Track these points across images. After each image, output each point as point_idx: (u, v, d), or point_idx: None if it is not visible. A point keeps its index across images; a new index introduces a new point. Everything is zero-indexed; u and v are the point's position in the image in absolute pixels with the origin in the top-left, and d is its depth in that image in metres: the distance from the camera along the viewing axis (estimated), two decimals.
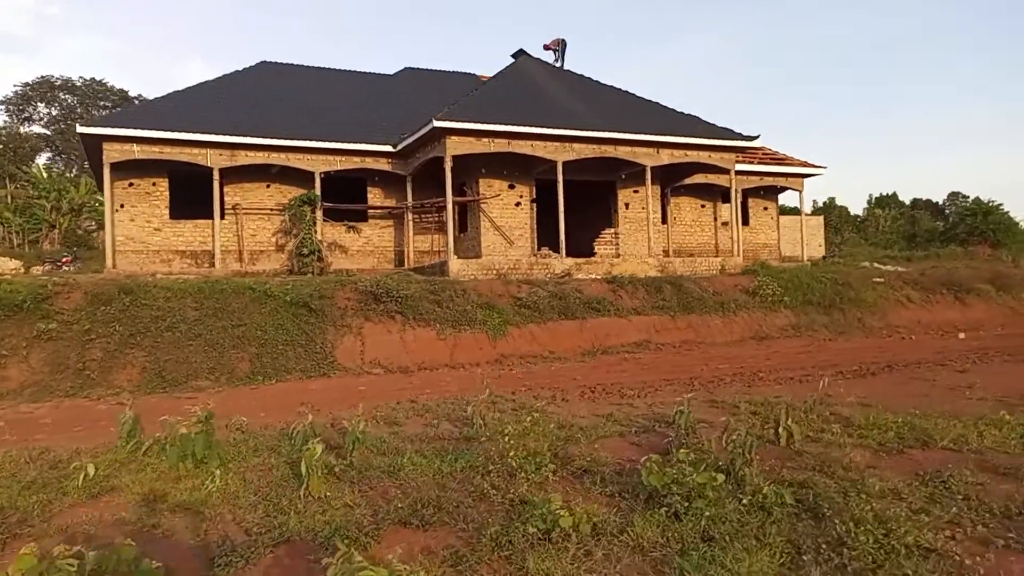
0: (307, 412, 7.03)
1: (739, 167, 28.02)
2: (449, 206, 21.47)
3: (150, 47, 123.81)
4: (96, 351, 11.71)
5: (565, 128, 22.11)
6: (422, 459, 6.32)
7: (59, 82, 53.64)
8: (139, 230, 21.70)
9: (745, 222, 30.52)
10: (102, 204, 25.07)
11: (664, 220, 27.69)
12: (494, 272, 20.57)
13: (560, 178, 22.18)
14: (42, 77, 53.60)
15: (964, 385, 10.30)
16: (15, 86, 58.80)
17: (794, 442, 6.93)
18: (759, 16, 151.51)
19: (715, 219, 29.50)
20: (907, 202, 63.56)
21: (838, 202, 59.87)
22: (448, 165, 21.02)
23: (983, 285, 21.16)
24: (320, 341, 13.36)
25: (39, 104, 54.62)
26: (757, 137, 24.88)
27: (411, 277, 17.28)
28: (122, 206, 21.56)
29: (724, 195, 29.09)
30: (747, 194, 29.88)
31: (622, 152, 23.29)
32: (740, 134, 25.07)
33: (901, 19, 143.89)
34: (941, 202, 62.61)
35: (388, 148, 23.31)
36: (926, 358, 13.67)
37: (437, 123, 20.61)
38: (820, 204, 56.90)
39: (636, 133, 23.12)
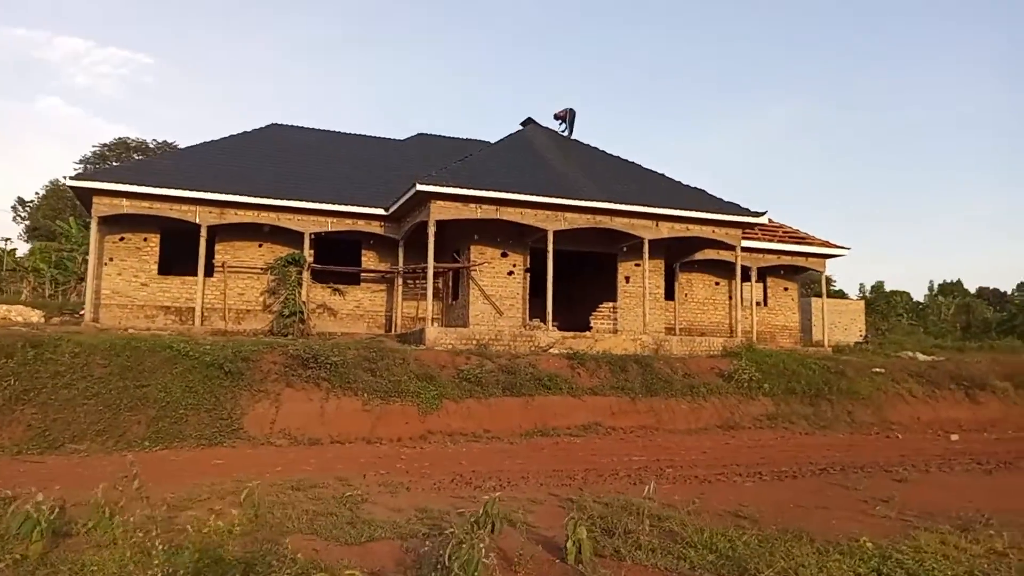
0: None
1: (756, 244, 26.90)
2: (430, 272, 20.95)
3: (229, 115, 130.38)
4: None
5: (557, 196, 21.47)
6: None
7: (134, 144, 56.26)
8: (126, 284, 21.86)
9: (764, 303, 29.03)
10: None
11: (671, 296, 26.48)
12: (474, 342, 19.77)
13: (550, 248, 21.43)
14: (119, 139, 56.20)
15: (882, 498, 8.92)
16: (93, 146, 62.02)
17: (583, 559, 5.82)
18: (828, 96, 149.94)
19: (730, 298, 28.10)
20: (972, 290, 60.13)
21: (896, 288, 57.14)
22: (431, 230, 20.59)
23: (1000, 381, 19.17)
24: (230, 407, 12.73)
25: (113, 163, 57.41)
26: (764, 213, 23.72)
27: (365, 343, 16.68)
28: (111, 259, 21.82)
29: (743, 273, 27.77)
30: (765, 273, 28.45)
31: (618, 223, 22.45)
32: (747, 210, 23.93)
33: (976, 100, 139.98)
34: (1010, 291, 58.98)
35: (381, 211, 23.08)
36: (887, 461, 12.18)
37: (420, 187, 20.29)
38: (868, 288, 54.26)
39: (632, 204, 22.26)
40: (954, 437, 15.73)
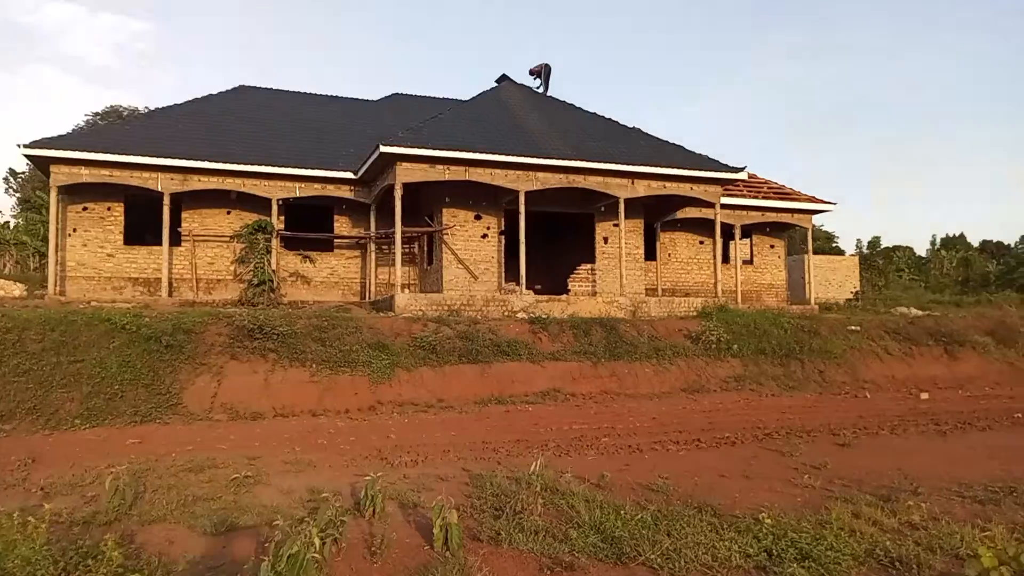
0: None
1: (740, 201, 26.23)
2: (398, 237, 20.47)
3: (226, 81, 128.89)
4: None
5: (528, 156, 20.85)
6: None
7: (126, 111, 55.15)
8: (91, 255, 21.50)
9: (750, 261, 28.44)
10: None
11: (652, 256, 25.94)
12: (445, 308, 19.38)
13: (522, 209, 20.89)
14: (111, 106, 55.11)
15: (816, 465, 8.53)
16: (85, 115, 60.88)
17: (451, 546, 5.44)
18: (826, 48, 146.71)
19: (714, 257, 27.48)
20: (976, 244, 59.15)
21: (902, 243, 56.22)
22: (398, 193, 20.07)
23: (980, 337, 18.62)
24: (169, 381, 12.39)
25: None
26: (743, 169, 23.04)
27: (319, 312, 16.29)
28: (75, 230, 21.43)
29: (727, 231, 27.18)
30: (751, 231, 27.83)
31: (592, 183, 21.84)
32: (725, 165, 23.24)
33: (979, 46, 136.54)
34: (1013, 244, 57.95)
35: (350, 175, 22.54)
36: (841, 423, 11.78)
37: (384, 149, 19.71)
38: (865, 244, 53.42)
39: (606, 162, 21.63)
40: (924, 395, 15.28)
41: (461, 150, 20.32)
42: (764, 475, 8.09)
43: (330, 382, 13.36)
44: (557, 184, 21.47)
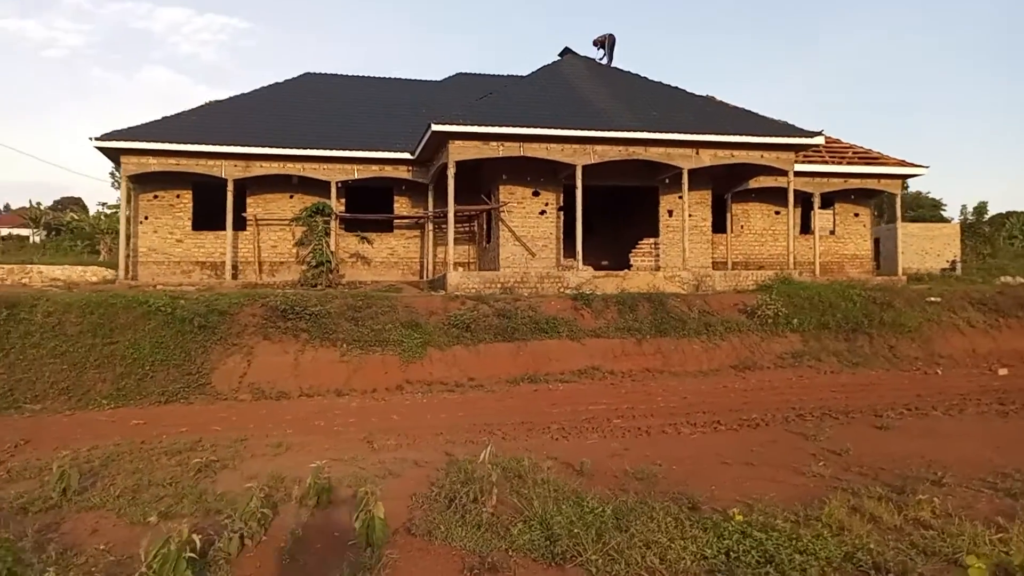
0: None
1: (821, 168, 24.65)
2: (451, 216, 20.23)
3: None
4: None
5: (584, 129, 20.15)
6: None
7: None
8: (161, 241, 22.31)
9: (832, 231, 26.73)
10: None
11: (722, 229, 24.73)
12: (499, 285, 19.13)
13: (579, 183, 20.25)
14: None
15: (837, 450, 7.71)
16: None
17: (373, 542, 5.08)
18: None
19: (788, 227, 25.96)
20: None
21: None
22: (451, 171, 19.83)
23: None
24: (200, 362, 12.59)
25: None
26: (819, 133, 21.52)
27: (362, 292, 16.27)
28: (146, 217, 22.28)
29: (804, 200, 25.63)
30: (833, 199, 26.09)
31: (653, 154, 20.92)
32: (799, 130, 21.80)
33: None
34: None
35: (407, 156, 22.45)
36: (894, 402, 10.76)
37: (436, 127, 19.48)
38: (970, 210, 49.50)
39: (667, 132, 20.64)
40: (1003, 372, 13.86)
41: (514, 125, 19.83)
42: (772, 462, 7.36)
43: (360, 361, 13.27)
44: (616, 157, 20.68)
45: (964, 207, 53.87)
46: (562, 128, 19.99)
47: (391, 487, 6.48)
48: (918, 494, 6.04)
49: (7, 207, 79.93)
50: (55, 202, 72.06)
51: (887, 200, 38.79)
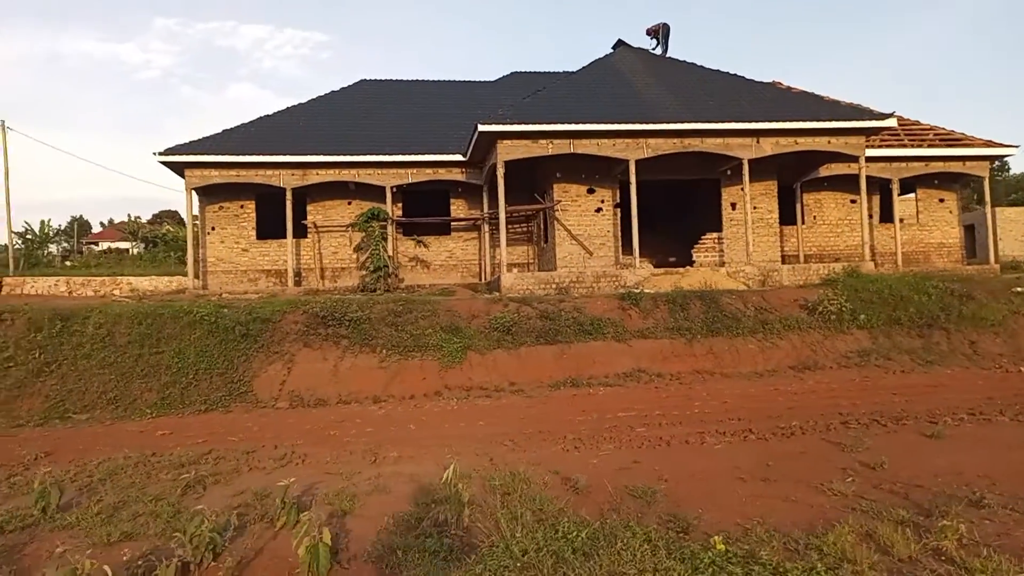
0: None
1: (899, 152, 23.18)
2: (502, 216, 19.93)
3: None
4: (10, 379, 12.12)
5: (635, 122, 19.55)
6: None
7: None
8: (228, 251, 22.91)
9: (916, 218, 25.06)
10: None
11: (790, 220, 23.55)
12: (553, 286, 18.80)
13: (632, 179, 19.70)
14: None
15: (872, 464, 6.99)
16: None
17: (318, 571, 4.80)
18: None
19: (870, 216, 24.51)
20: None
21: None
22: (500, 171, 19.58)
23: None
24: (242, 370, 12.73)
25: None
26: (891, 115, 20.15)
27: (405, 297, 16.17)
28: (213, 228, 22.92)
29: (882, 187, 24.14)
30: (913, 184, 24.46)
31: (710, 145, 20.09)
32: (869, 112, 20.50)
33: None
34: None
35: (459, 157, 22.33)
36: (959, 405, 9.79)
37: (483, 128, 19.28)
38: None
39: (723, 121, 19.78)
40: None
41: (562, 122, 19.41)
42: (794, 477, 6.70)
43: (399, 367, 13.13)
44: (670, 150, 19.96)
45: None
46: (611, 123, 19.45)
47: (373, 505, 6.22)
48: (948, 518, 5.32)
49: (110, 222, 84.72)
50: (153, 215, 75.98)
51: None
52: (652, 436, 8.60)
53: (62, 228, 61.75)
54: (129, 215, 69.02)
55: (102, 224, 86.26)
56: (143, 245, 57.86)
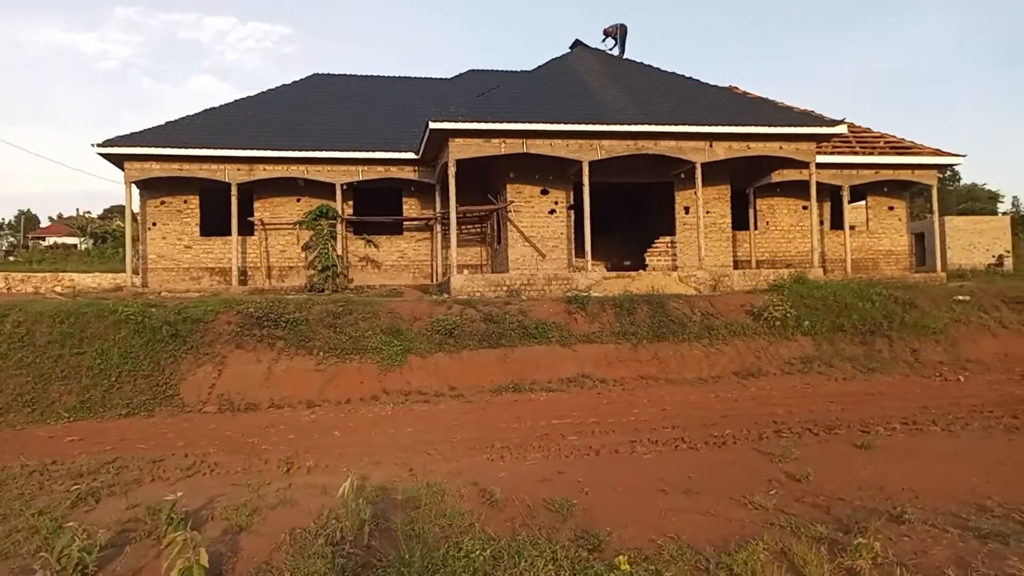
0: None
1: (850, 160, 23.34)
2: (452, 217, 19.62)
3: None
4: None
5: (589, 123, 19.36)
6: None
7: None
8: (170, 247, 22.20)
9: (865, 225, 25.32)
10: None
11: (744, 225, 23.62)
12: (504, 288, 18.50)
13: (586, 180, 19.50)
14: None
15: (798, 475, 6.85)
16: None
17: None
18: None
19: (821, 223, 24.69)
20: None
21: None
22: (451, 170, 19.25)
23: None
24: (169, 372, 12.21)
25: None
26: (840, 122, 20.30)
27: (344, 298, 15.76)
28: (154, 224, 22.20)
29: (834, 194, 24.32)
30: (864, 192, 24.71)
31: (664, 148, 20.01)
32: (819, 119, 20.70)
33: None
34: None
35: (412, 156, 21.94)
36: (893, 414, 9.72)
37: (434, 125, 18.95)
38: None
39: (676, 124, 19.69)
40: None
41: (514, 121, 19.17)
42: (717, 489, 6.49)
43: (336, 371, 12.72)
44: (624, 152, 19.83)
45: (1016, 199, 51.01)
46: (565, 123, 19.25)
47: (275, 520, 5.85)
48: (866, 535, 5.14)
49: (60, 216, 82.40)
50: (105, 210, 73.97)
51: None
52: (583, 445, 8.35)
53: (6, 222, 59.88)
54: (78, 210, 67.00)
55: (51, 219, 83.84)
56: (92, 241, 56.38)
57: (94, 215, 68.58)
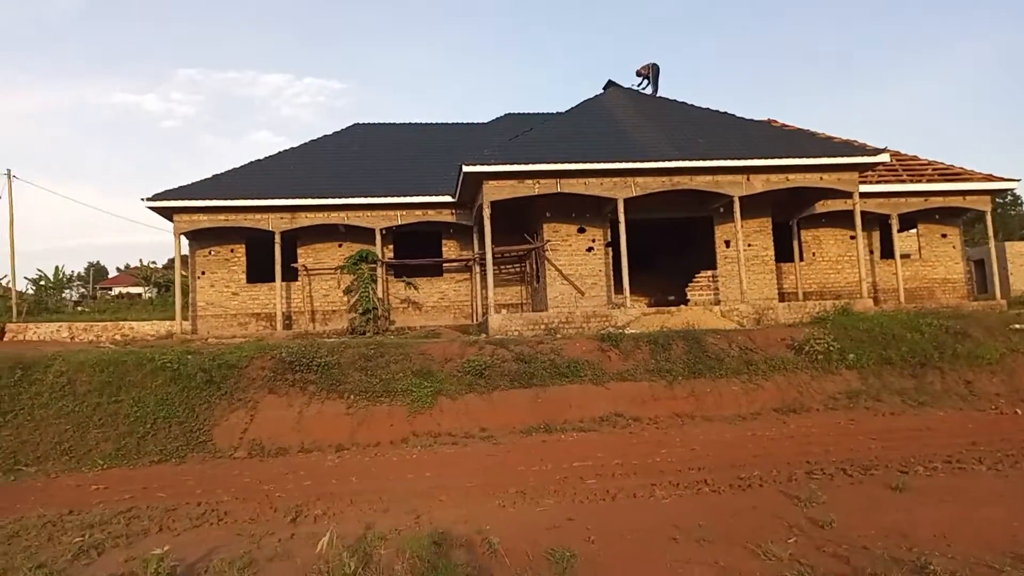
0: None
1: (897, 188, 22.72)
2: (488, 257, 19.63)
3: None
4: None
5: (622, 161, 19.30)
6: None
7: None
8: (218, 295, 22.80)
9: (919, 254, 24.48)
10: None
11: (789, 257, 23.08)
12: (542, 326, 18.44)
13: (622, 218, 19.37)
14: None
15: (821, 521, 6.48)
16: None
17: None
18: None
19: (871, 252, 23.99)
20: None
21: None
22: (486, 212, 19.36)
23: None
24: (203, 418, 12.38)
25: None
26: (882, 151, 19.83)
27: (357, 341, 15.82)
28: (203, 272, 22.85)
29: (882, 223, 23.64)
30: (914, 219, 23.95)
31: (700, 183, 19.77)
32: (861, 148, 20.22)
33: None
34: None
35: (448, 199, 22.19)
36: (938, 452, 9.20)
37: (467, 168, 19.14)
38: None
39: (712, 159, 19.47)
40: None
41: (547, 162, 19.22)
42: (732, 538, 6.18)
43: (366, 414, 12.71)
44: (659, 188, 19.67)
45: None
46: (598, 162, 19.24)
47: (269, 574, 5.79)
48: None
49: (127, 267, 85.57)
50: (168, 260, 76.59)
51: (997, 218, 35.54)
52: (600, 489, 8.10)
53: (76, 274, 62.42)
54: (141, 260, 69.48)
55: (118, 269, 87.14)
56: (156, 290, 58.22)
57: (159, 265, 71.12)
